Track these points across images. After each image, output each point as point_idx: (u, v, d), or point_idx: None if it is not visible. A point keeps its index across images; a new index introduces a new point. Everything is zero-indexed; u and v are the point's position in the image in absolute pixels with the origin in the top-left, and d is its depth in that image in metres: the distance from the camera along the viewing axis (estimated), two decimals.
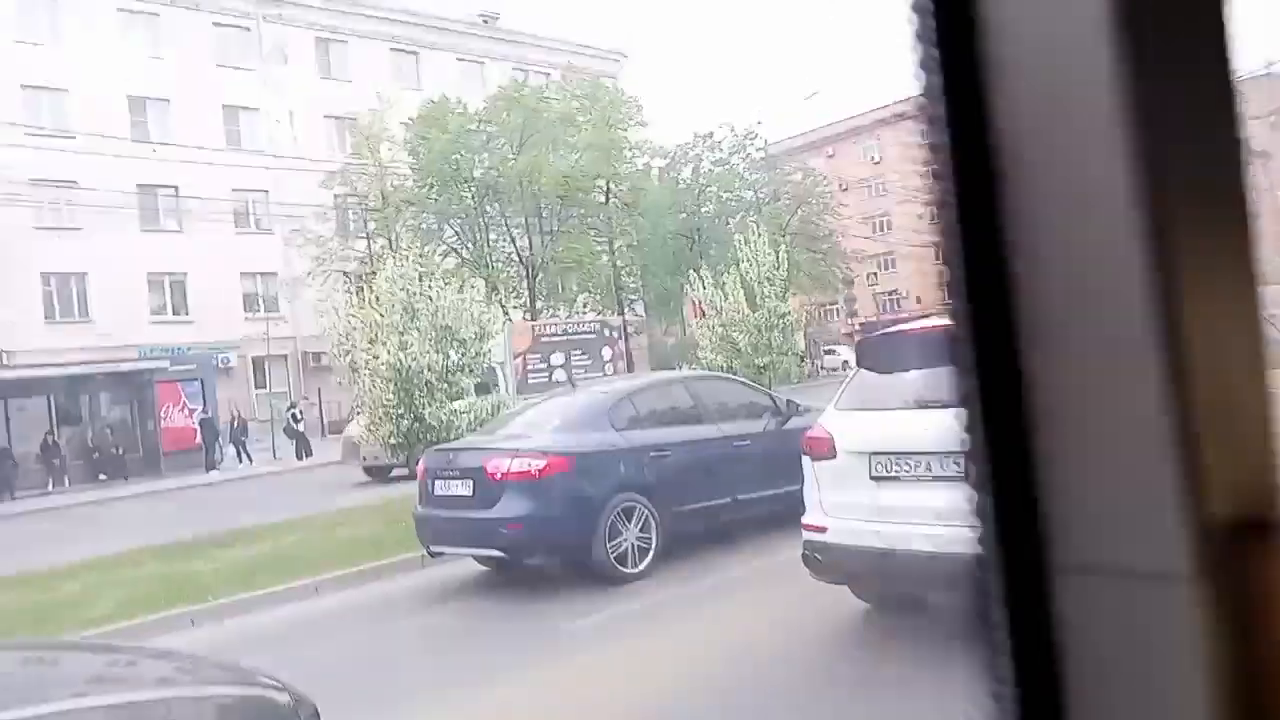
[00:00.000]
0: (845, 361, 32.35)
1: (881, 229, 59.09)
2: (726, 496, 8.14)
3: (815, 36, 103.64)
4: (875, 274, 47.26)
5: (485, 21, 45.13)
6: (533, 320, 33.62)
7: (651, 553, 7.59)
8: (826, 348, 43.91)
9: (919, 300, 55.20)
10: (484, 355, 16.78)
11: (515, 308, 33.79)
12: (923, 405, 5.06)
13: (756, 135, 43.28)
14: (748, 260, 24.64)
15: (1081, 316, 0.71)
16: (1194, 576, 0.66)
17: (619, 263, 37.74)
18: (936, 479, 4.82)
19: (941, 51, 0.73)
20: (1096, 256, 0.69)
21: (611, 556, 7.42)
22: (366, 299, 16.74)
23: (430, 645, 6.81)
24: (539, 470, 7.49)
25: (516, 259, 35.29)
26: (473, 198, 34.60)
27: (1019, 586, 0.73)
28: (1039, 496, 0.72)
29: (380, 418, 15.58)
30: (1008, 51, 0.72)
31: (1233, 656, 0.66)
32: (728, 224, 41.22)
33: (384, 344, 15.48)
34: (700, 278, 25.05)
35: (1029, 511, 0.73)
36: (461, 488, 7.89)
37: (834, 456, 5.29)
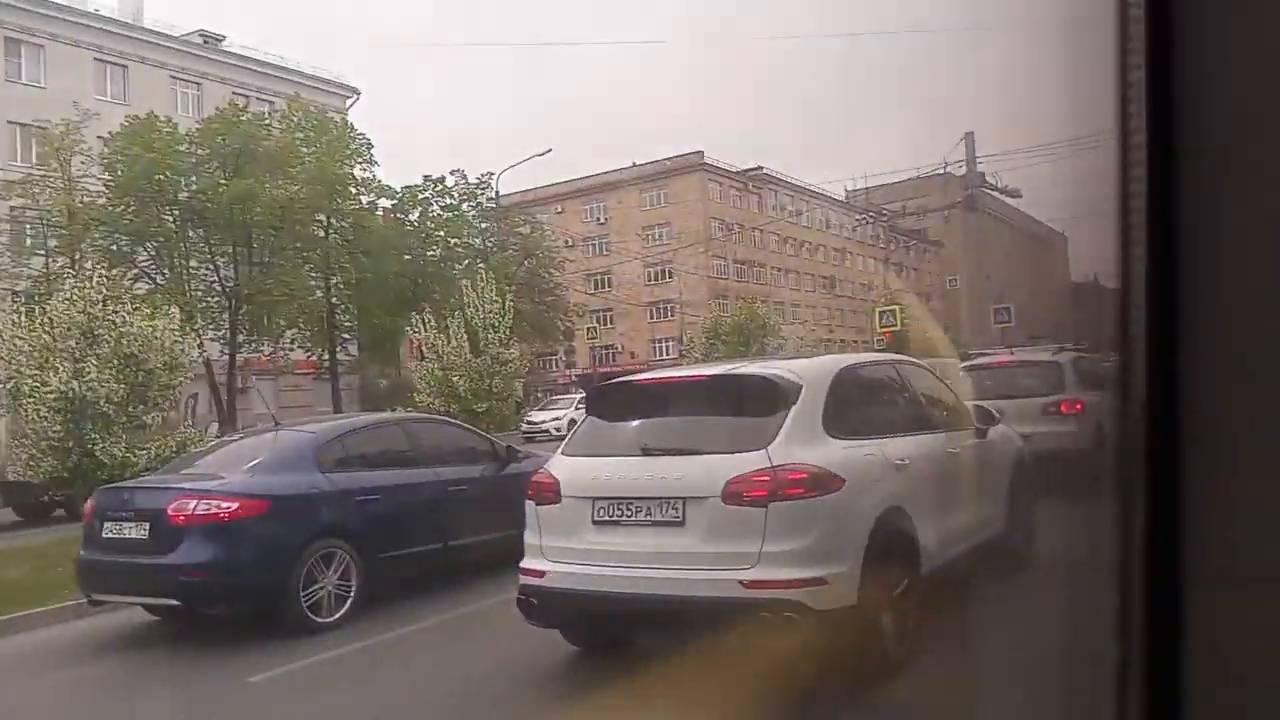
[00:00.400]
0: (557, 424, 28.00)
1: (603, 286, 60.98)
2: (438, 542, 7.84)
3: (552, 97, 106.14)
4: (595, 328, 48.41)
5: (206, 42, 42.32)
6: (231, 354, 31.43)
7: (350, 601, 7.12)
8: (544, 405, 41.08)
9: (633, 355, 57.23)
10: (173, 388, 15.30)
11: (214, 339, 31.40)
12: (647, 452, 5.10)
13: (488, 185, 43.39)
14: (473, 306, 24.43)
15: (1251, 329, 0.70)
16: None
17: (335, 299, 36.18)
18: (657, 524, 4.86)
19: (1147, 71, 0.75)
20: (1272, 277, 0.69)
21: (305, 605, 6.87)
22: (38, 321, 14.88)
23: (76, 702, 5.99)
24: (229, 513, 6.81)
25: (220, 288, 32.87)
26: (175, 221, 32.05)
27: (1153, 595, 0.73)
28: (1182, 509, 0.71)
29: (43, 451, 13.74)
30: (1203, 74, 0.72)
31: None
32: (454, 269, 40.77)
33: (54, 370, 13.72)
34: (423, 320, 24.48)
35: (1168, 523, 0.72)
36: (136, 530, 7.02)
37: (558, 500, 5.21)
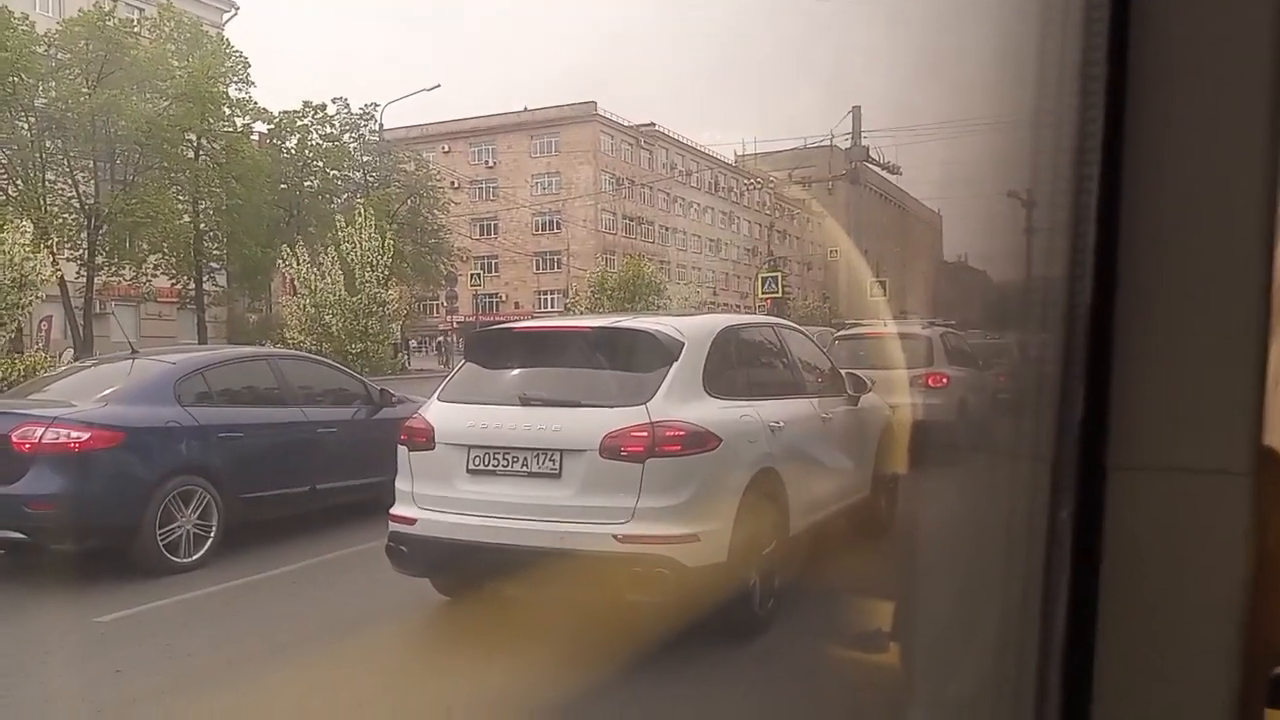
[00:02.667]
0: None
1: (488, 232, 60.02)
2: (305, 485, 7.68)
3: (443, 33, 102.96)
4: (479, 275, 47.63)
5: None
6: (89, 276, 29.73)
7: (210, 542, 6.89)
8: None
9: (517, 306, 56.71)
10: (23, 308, 14.37)
11: (71, 260, 29.56)
12: (525, 401, 5.04)
13: (372, 116, 41.98)
14: (350, 242, 23.67)
15: (1185, 219, 0.78)
16: (1250, 473, 0.76)
17: (203, 226, 34.47)
18: (533, 475, 4.83)
19: (1110, 45, 0.79)
20: (1214, 162, 0.77)
21: (161, 544, 6.60)
22: None
23: None
24: (80, 443, 6.46)
25: (78, 205, 30.88)
26: (30, 129, 29.82)
27: (1077, 484, 0.81)
28: (1109, 397, 0.80)
29: None
30: (1156, 57, 0.79)
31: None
32: (332, 202, 39.41)
33: None
34: (296, 253, 23.57)
35: (1094, 412, 0.80)
36: None
37: (432, 447, 5.12)
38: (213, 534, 6.91)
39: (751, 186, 65.99)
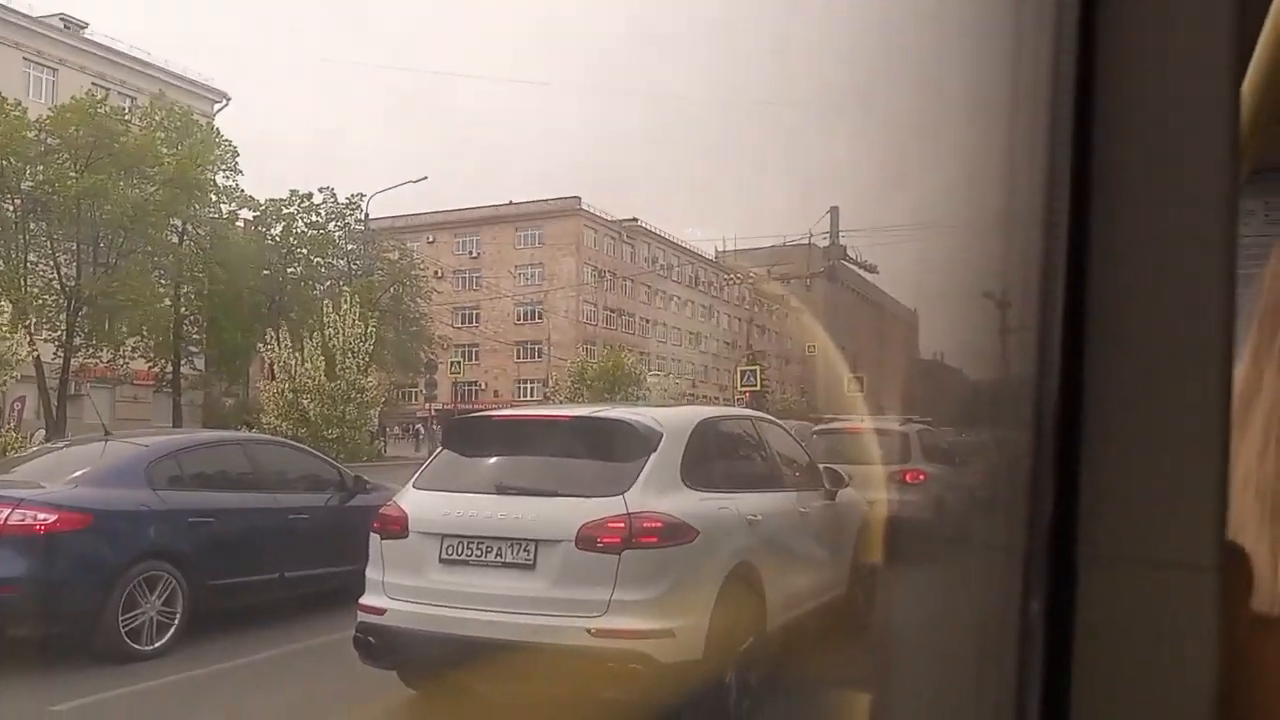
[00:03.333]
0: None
1: (470, 321, 60.26)
2: (274, 572, 7.53)
3: (429, 126, 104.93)
4: (459, 363, 47.65)
5: (67, 26, 40.04)
6: (66, 357, 29.55)
7: (174, 629, 6.72)
8: None
9: (496, 394, 56.59)
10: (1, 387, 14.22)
11: (49, 340, 29.38)
12: (502, 490, 5.01)
13: (358, 206, 42.42)
14: (333, 328, 23.70)
15: (1149, 321, 0.79)
16: (1217, 568, 0.76)
17: (184, 310, 34.45)
18: (506, 566, 4.76)
19: (1079, 57, 0.79)
20: (1175, 269, 0.78)
21: (123, 631, 6.43)
22: None
23: None
24: (45, 525, 6.34)
25: (59, 287, 30.84)
26: (15, 211, 29.98)
27: (1049, 577, 0.80)
28: (1079, 493, 0.79)
29: None
30: (1118, 71, 0.79)
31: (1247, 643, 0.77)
32: (315, 289, 39.53)
33: None
34: (278, 338, 23.55)
35: (1065, 507, 0.80)
36: None
37: (405, 535, 5.05)
38: (176, 621, 6.75)
39: (731, 282, 66.80)
